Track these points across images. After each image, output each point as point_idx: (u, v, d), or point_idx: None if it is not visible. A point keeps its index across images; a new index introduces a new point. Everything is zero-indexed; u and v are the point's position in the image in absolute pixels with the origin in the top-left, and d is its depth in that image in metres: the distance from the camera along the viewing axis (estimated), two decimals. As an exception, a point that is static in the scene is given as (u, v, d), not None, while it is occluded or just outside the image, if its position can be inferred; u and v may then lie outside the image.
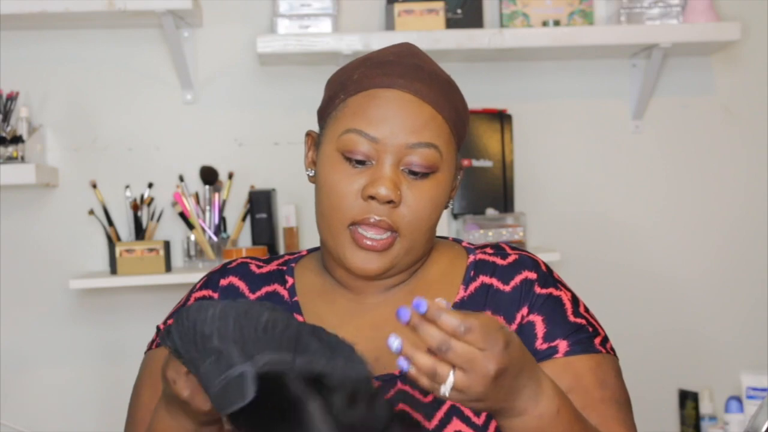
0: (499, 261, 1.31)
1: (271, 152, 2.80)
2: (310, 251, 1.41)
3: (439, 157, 1.25)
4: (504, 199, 2.76)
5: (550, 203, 2.84)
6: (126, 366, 2.62)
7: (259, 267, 1.37)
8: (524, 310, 1.27)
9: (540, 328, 1.26)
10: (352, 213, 1.24)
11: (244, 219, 2.73)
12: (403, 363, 1.00)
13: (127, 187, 2.73)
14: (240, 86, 2.80)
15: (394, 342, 0.99)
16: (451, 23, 2.71)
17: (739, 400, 2.61)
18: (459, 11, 2.73)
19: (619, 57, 2.86)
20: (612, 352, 1.29)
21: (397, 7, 2.68)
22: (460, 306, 1.29)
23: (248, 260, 1.39)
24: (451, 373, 1.00)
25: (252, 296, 1.32)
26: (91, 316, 2.76)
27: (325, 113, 1.33)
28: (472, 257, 1.32)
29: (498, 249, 1.33)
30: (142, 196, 2.72)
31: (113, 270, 2.63)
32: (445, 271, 1.32)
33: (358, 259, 1.24)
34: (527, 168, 2.83)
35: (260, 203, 2.70)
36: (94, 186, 2.71)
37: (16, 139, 2.58)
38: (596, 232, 2.86)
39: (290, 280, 1.35)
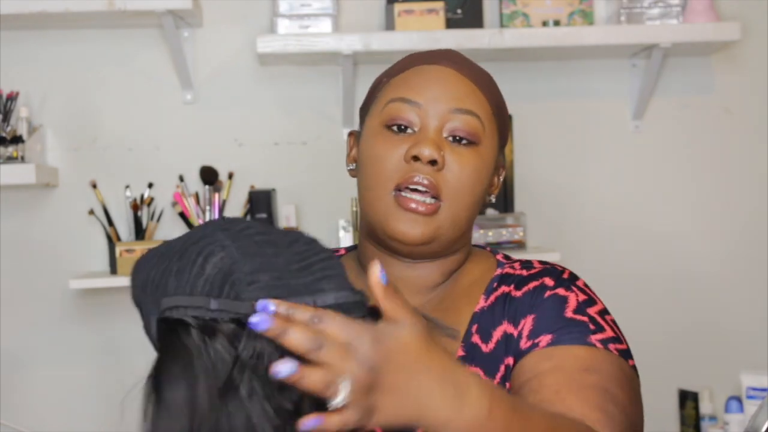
0: (524, 273, 1.27)
1: (271, 152, 2.80)
2: (348, 249, 1.39)
3: (481, 127, 1.25)
4: (504, 199, 2.76)
5: (550, 203, 2.84)
6: (126, 366, 2.63)
7: None
8: (528, 317, 1.21)
9: (527, 327, 1.20)
10: (396, 176, 1.22)
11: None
12: (287, 365, 0.86)
13: (127, 187, 2.73)
14: (240, 86, 2.80)
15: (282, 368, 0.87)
16: (451, 23, 2.71)
17: (739, 400, 2.61)
18: (459, 11, 2.73)
19: (619, 57, 2.86)
20: (622, 356, 1.17)
21: (397, 7, 2.68)
22: (479, 315, 1.25)
23: None
24: (341, 378, 0.86)
25: None
26: (91, 316, 2.76)
27: (367, 102, 1.32)
28: (499, 270, 1.29)
29: (527, 263, 1.30)
30: (142, 196, 2.72)
31: (113, 270, 2.63)
32: (474, 281, 1.30)
33: (403, 223, 1.21)
34: (527, 168, 2.83)
35: (260, 203, 2.70)
36: (94, 186, 2.72)
37: (16, 139, 2.58)
38: (596, 232, 2.86)
39: None
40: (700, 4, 2.70)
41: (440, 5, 2.68)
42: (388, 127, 1.24)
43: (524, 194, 2.81)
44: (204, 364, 0.91)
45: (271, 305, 0.87)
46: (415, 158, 1.21)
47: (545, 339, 1.17)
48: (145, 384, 0.94)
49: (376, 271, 0.91)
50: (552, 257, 2.58)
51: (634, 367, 1.19)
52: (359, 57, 2.68)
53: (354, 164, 1.31)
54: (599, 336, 1.17)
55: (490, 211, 2.74)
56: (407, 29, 2.65)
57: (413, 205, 1.21)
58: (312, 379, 0.86)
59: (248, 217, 2.71)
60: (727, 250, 2.88)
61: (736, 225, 2.89)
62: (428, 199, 1.22)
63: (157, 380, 0.93)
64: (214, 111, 2.80)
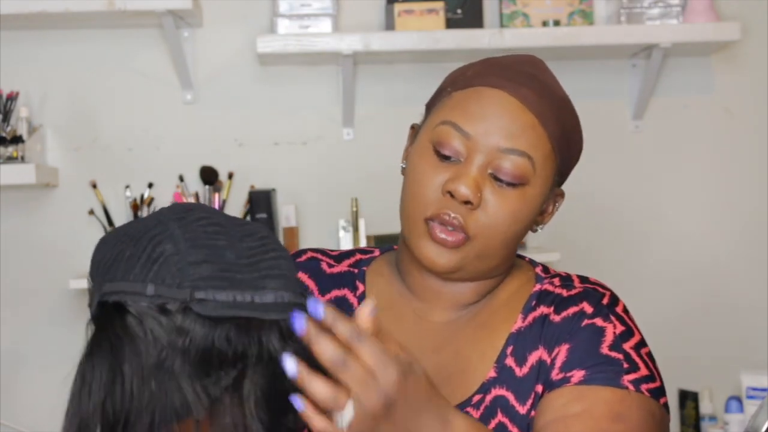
0: (564, 293, 1.23)
1: (271, 152, 2.80)
2: (383, 251, 1.35)
3: (531, 169, 1.19)
4: (504, 199, 2.76)
5: (550, 203, 2.83)
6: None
7: (330, 266, 1.32)
8: (563, 346, 1.18)
9: (561, 357, 1.17)
10: (431, 207, 1.18)
11: (244, 219, 2.73)
12: (297, 402, 0.90)
13: (127, 187, 2.73)
14: (240, 86, 2.80)
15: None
16: (451, 23, 2.71)
17: (739, 400, 2.61)
18: (459, 11, 2.73)
19: (619, 57, 2.86)
20: (654, 397, 1.15)
21: (397, 7, 2.68)
22: (516, 336, 1.21)
23: (319, 256, 1.33)
24: (350, 401, 0.90)
25: (321, 299, 1.21)
26: (91, 316, 2.76)
27: (431, 105, 1.28)
28: (538, 286, 1.25)
29: (566, 280, 1.26)
30: (142, 196, 2.72)
31: (113, 270, 2.63)
32: (511, 297, 1.26)
33: (430, 251, 1.19)
34: (527, 168, 2.82)
35: (260, 203, 2.70)
36: (94, 186, 2.72)
37: (16, 139, 2.58)
38: (596, 232, 2.86)
39: (361, 287, 1.29)
40: (700, 4, 2.70)
41: (440, 5, 2.68)
42: (436, 150, 1.20)
43: (524, 194, 2.81)
44: (135, 347, 0.94)
45: (321, 309, 0.91)
46: (451, 194, 1.18)
47: (577, 375, 1.15)
48: (78, 364, 0.99)
49: (364, 311, 0.93)
50: (552, 257, 2.58)
51: (665, 405, 1.17)
52: (359, 57, 2.68)
53: (406, 163, 1.27)
54: (632, 376, 1.14)
55: (490, 211, 2.74)
56: (407, 29, 2.65)
57: (441, 236, 1.18)
58: (319, 390, 0.89)
59: (248, 218, 2.71)
60: (727, 250, 2.88)
61: (737, 225, 2.88)
62: (453, 233, 1.18)
63: (84, 360, 0.99)
64: (214, 111, 2.80)
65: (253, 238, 0.98)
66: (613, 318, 1.19)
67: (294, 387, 0.92)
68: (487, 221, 1.18)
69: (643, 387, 1.14)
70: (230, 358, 0.94)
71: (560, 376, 1.16)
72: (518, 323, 1.22)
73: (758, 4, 2.88)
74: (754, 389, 2.56)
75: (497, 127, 1.18)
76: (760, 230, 2.88)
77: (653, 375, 1.16)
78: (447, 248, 1.18)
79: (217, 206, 2.70)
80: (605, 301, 1.21)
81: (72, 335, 2.72)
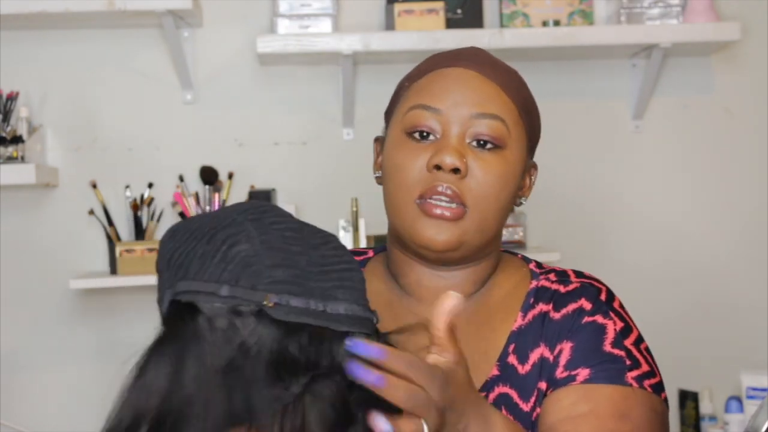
0: (561, 289, 1.24)
1: (271, 152, 2.80)
2: (377, 252, 1.36)
3: (506, 130, 1.21)
4: (504, 199, 2.76)
5: (550, 203, 2.84)
6: (126, 366, 2.62)
7: None
8: (565, 343, 1.19)
9: (565, 356, 1.18)
10: (419, 186, 1.19)
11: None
12: (385, 425, 0.90)
13: (127, 187, 2.73)
14: (240, 86, 2.80)
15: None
16: (451, 23, 2.71)
17: (739, 400, 2.61)
18: (459, 11, 2.73)
19: (619, 57, 2.86)
20: (655, 392, 1.18)
21: (397, 7, 2.68)
22: (517, 335, 1.22)
23: None
24: (423, 423, 0.91)
25: None
26: (91, 316, 2.76)
27: (390, 108, 1.29)
28: (534, 283, 1.26)
29: (561, 276, 1.26)
30: (142, 196, 2.72)
31: (113, 270, 2.63)
32: (507, 295, 1.26)
33: (429, 230, 1.18)
34: (527, 168, 2.83)
35: (260, 203, 2.69)
36: (94, 186, 2.72)
37: (16, 139, 2.58)
38: (596, 232, 2.86)
39: None
40: (700, 4, 2.70)
41: (440, 5, 2.68)
42: (410, 134, 1.21)
43: (524, 194, 2.81)
44: (201, 348, 0.91)
45: (367, 348, 0.89)
46: (438, 167, 1.18)
47: (582, 374, 1.16)
48: (138, 357, 0.95)
49: (448, 303, 0.94)
50: (552, 257, 2.58)
51: (665, 400, 1.20)
52: (359, 57, 2.68)
53: (380, 171, 1.27)
54: (635, 373, 1.17)
55: (490, 211, 2.74)
56: (407, 29, 2.65)
57: (438, 212, 1.18)
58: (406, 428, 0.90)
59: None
60: (727, 250, 2.88)
61: (737, 225, 2.88)
62: (453, 204, 1.18)
63: (145, 356, 0.95)
64: (214, 111, 2.80)
65: (327, 247, 0.96)
66: (612, 315, 1.21)
67: (358, 402, 0.90)
68: (479, 188, 1.19)
69: (646, 383, 1.16)
70: (302, 365, 0.91)
71: (565, 374, 1.17)
72: (518, 321, 1.23)
73: (758, 4, 2.88)
74: (754, 389, 2.55)
75: (464, 97, 1.21)
76: (760, 230, 2.88)
77: (653, 371, 1.19)
78: (447, 222, 1.18)
79: (217, 206, 2.70)
80: (603, 297, 1.23)
81: (72, 335, 2.74)
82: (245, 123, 2.80)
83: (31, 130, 2.66)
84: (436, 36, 2.62)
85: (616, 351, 1.17)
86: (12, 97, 2.62)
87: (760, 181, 2.88)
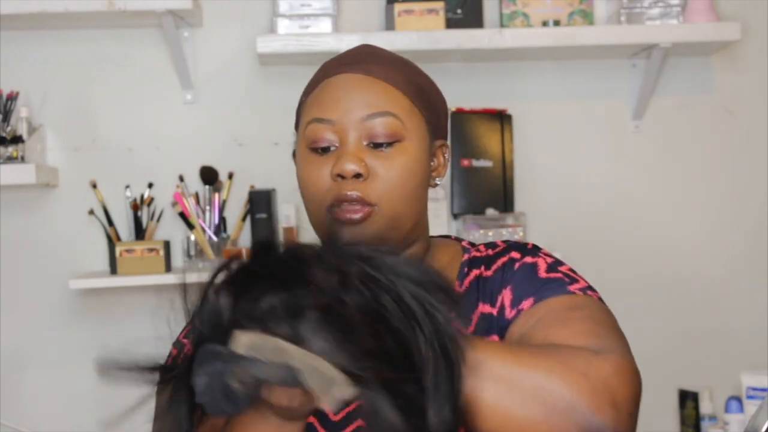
0: (490, 252, 1.31)
1: (271, 152, 2.80)
2: None
3: (399, 124, 1.25)
4: (504, 199, 2.76)
5: (550, 203, 2.84)
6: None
7: None
8: (505, 291, 1.25)
9: (507, 297, 1.24)
10: (328, 196, 1.24)
11: (244, 219, 2.73)
12: None
13: (127, 187, 2.73)
14: (240, 86, 2.80)
15: None
16: (451, 23, 2.71)
17: (739, 400, 2.61)
18: (459, 11, 2.73)
19: (619, 57, 2.86)
20: (599, 300, 1.22)
21: (397, 7, 2.68)
22: None
23: None
24: None
25: None
26: (91, 316, 2.76)
27: (296, 122, 1.35)
28: (467, 255, 1.32)
29: (490, 244, 1.33)
30: (142, 196, 2.72)
31: (113, 270, 2.63)
32: (443, 268, 1.30)
33: (344, 235, 1.23)
34: (527, 168, 2.83)
35: (260, 203, 2.70)
36: (94, 186, 2.72)
37: (16, 139, 2.58)
38: (596, 232, 2.86)
39: None
40: (700, 4, 2.70)
41: (440, 5, 2.68)
42: (313, 149, 1.26)
43: (524, 194, 2.81)
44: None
45: None
46: (340, 176, 1.23)
47: (528, 302, 1.21)
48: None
49: None
50: (552, 257, 2.58)
51: (601, 300, 1.24)
52: (359, 57, 2.67)
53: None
54: (576, 286, 1.21)
55: (490, 211, 2.74)
56: (407, 29, 2.65)
57: (348, 215, 1.23)
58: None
59: (248, 217, 2.71)
60: (728, 250, 2.88)
61: (737, 225, 2.88)
62: (359, 206, 1.23)
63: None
64: (214, 111, 2.80)
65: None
66: (541, 254, 1.28)
67: None
68: (384, 185, 1.23)
69: (590, 293, 1.21)
70: None
71: (513, 312, 1.22)
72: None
73: (758, 4, 2.88)
74: (754, 389, 2.55)
75: (353, 102, 1.25)
76: (761, 230, 2.88)
77: (592, 287, 1.23)
78: (358, 225, 1.23)
79: (217, 206, 2.70)
80: (530, 247, 1.29)
81: (72, 335, 2.74)
82: (245, 123, 2.80)
83: (31, 130, 2.66)
84: (436, 36, 2.62)
85: (552, 275, 1.23)
86: (12, 97, 2.62)
87: (760, 181, 2.88)
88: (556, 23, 2.72)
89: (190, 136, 2.79)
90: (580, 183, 2.86)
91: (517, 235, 2.69)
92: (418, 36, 2.61)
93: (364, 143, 1.24)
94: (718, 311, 2.87)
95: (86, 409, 2.74)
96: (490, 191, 2.77)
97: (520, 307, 1.21)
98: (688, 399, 2.77)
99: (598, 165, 2.87)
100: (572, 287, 1.21)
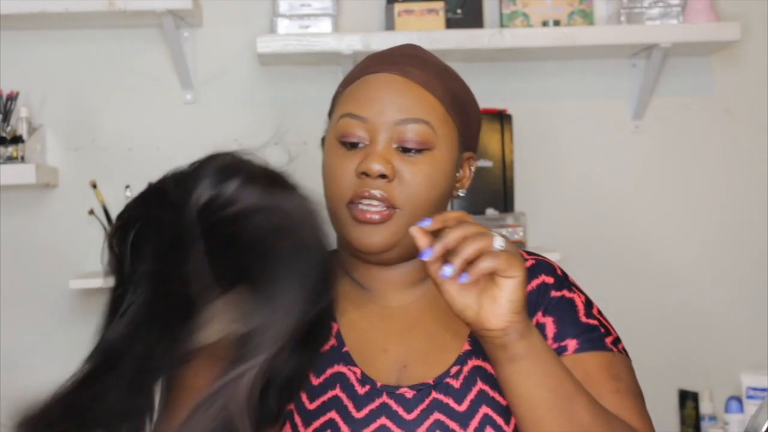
0: None
1: (271, 152, 2.79)
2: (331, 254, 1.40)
3: (431, 133, 1.25)
4: (504, 199, 2.76)
5: (550, 203, 2.84)
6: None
7: None
8: (539, 314, 1.28)
9: (551, 329, 1.27)
10: (348, 192, 1.24)
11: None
12: (428, 252, 1.09)
13: (127, 187, 2.73)
14: (240, 86, 2.80)
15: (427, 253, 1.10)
16: (451, 23, 2.71)
17: (739, 400, 2.61)
18: (459, 11, 2.73)
19: (619, 57, 2.86)
20: (624, 352, 1.30)
21: (397, 7, 2.68)
22: None
23: None
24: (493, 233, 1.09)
25: None
26: (91, 316, 2.75)
27: (330, 111, 1.35)
28: None
29: None
30: (142, 196, 2.72)
31: (113, 270, 2.62)
32: None
33: (361, 233, 1.24)
34: (527, 168, 2.83)
35: (260, 203, 2.69)
36: (94, 186, 2.72)
37: (16, 139, 2.58)
38: (596, 232, 2.86)
39: None
40: (700, 4, 2.70)
41: (440, 5, 2.68)
42: (341, 142, 1.27)
43: (524, 194, 2.81)
44: None
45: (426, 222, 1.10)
46: (365, 174, 1.23)
47: (571, 344, 1.26)
48: None
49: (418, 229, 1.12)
50: (552, 257, 2.56)
51: (625, 351, 1.31)
52: (359, 57, 2.67)
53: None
54: (609, 339, 1.28)
55: (490, 211, 2.74)
56: (407, 29, 2.65)
57: (367, 215, 1.23)
58: (477, 241, 1.08)
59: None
60: (727, 250, 2.88)
61: (737, 225, 2.88)
62: (381, 208, 1.24)
63: None
64: (214, 111, 2.80)
65: None
66: (574, 289, 1.32)
67: None
68: (408, 189, 1.24)
69: (620, 347, 1.29)
70: None
71: (555, 345, 1.26)
72: None
73: (758, 4, 2.88)
74: (754, 389, 2.56)
75: (389, 104, 1.26)
76: (760, 230, 2.88)
77: (613, 330, 1.31)
78: (376, 225, 1.23)
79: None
80: (559, 272, 1.33)
81: (72, 335, 2.74)
82: (245, 123, 2.80)
83: (31, 130, 2.66)
84: (436, 36, 2.62)
85: (590, 321, 1.29)
86: (12, 97, 2.62)
87: (760, 180, 2.88)
88: (556, 23, 2.72)
89: (190, 136, 2.79)
90: (580, 183, 2.86)
91: (517, 235, 2.69)
92: (418, 36, 2.60)
93: (394, 146, 1.25)
94: (718, 311, 2.87)
95: (86, 409, 2.74)
96: (490, 191, 2.77)
97: (563, 343, 1.26)
98: (688, 399, 2.77)
99: (598, 165, 2.87)
100: (608, 340, 1.28)
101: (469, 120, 1.33)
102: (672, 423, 2.83)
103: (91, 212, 2.71)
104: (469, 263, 1.09)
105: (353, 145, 1.26)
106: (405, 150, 1.25)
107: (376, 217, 1.23)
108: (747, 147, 2.89)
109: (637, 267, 2.86)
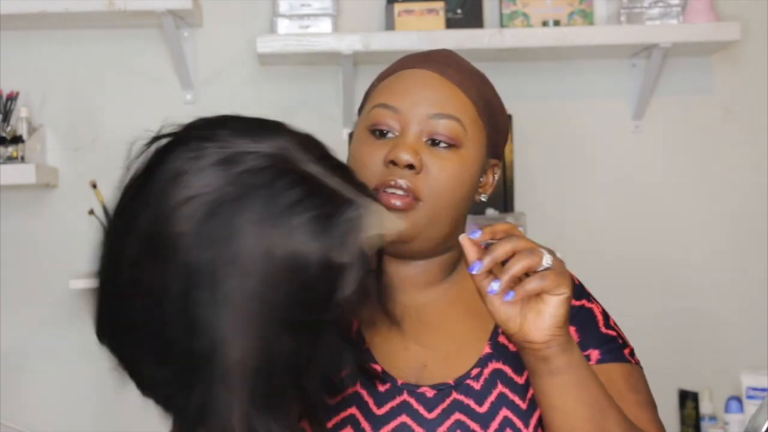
0: None
1: (271, 152, 2.80)
2: None
3: (462, 131, 1.25)
4: (504, 199, 2.76)
5: (550, 203, 2.84)
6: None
7: None
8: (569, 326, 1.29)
9: (573, 338, 1.26)
10: (374, 179, 1.23)
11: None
12: (477, 264, 1.10)
13: (127, 187, 2.73)
14: (240, 86, 2.80)
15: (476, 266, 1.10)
16: (451, 23, 2.71)
17: (739, 400, 2.61)
18: (459, 11, 2.73)
19: (619, 57, 2.86)
20: (639, 364, 1.32)
21: (397, 7, 2.68)
22: None
23: None
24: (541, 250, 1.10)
25: None
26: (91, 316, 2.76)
27: (362, 105, 1.35)
28: None
29: None
30: (142, 196, 2.72)
31: (113, 270, 2.63)
32: None
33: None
34: (527, 168, 2.83)
35: (260, 203, 2.70)
36: (94, 186, 2.71)
37: (16, 139, 2.58)
38: (596, 232, 2.86)
39: None
40: (700, 4, 2.70)
41: (440, 5, 2.68)
42: (371, 131, 1.27)
43: (524, 194, 2.81)
44: None
45: (477, 233, 1.11)
46: (393, 162, 1.23)
47: (594, 354, 1.28)
48: None
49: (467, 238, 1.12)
50: (552, 257, 2.58)
51: (638, 362, 1.33)
52: (359, 57, 2.68)
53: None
54: (627, 350, 1.31)
55: (490, 211, 2.74)
56: (407, 29, 2.66)
57: (391, 201, 1.22)
58: (525, 258, 1.09)
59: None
60: (727, 250, 2.88)
61: (736, 225, 2.88)
62: (407, 196, 1.23)
63: None
64: (214, 111, 2.77)
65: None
66: (592, 300, 1.34)
67: None
68: (434, 183, 1.24)
69: (635, 358, 1.32)
70: None
71: None
72: None
73: (758, 4, 2.88)
74: (754, 389, 2.56)
75: (423, 98, 1.26)
76: (761, 230, 2.88)
77: (628, 342, 1.34)
78: (398, 213, 1.22)
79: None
80: (576, 282, 1.32)
81: (72, 335, 2.74)
82: (245, 123, 2.80)
83: (31, 130, 2.66)
84: (436, 36, 2.62)
85: (609, 332, 1.31)
86: (12, 97, 2.62)
87: (760, 180, 2.88)
88: (556, 23, 2.72)
89: (190, 136, 2.79)
90: (580, 183, 2.86)
91: (517, 235, 2.69)
92: (418, 36, 2.61)
93: (424, 139, 1.25)
94: (718, 311, 2.87)
95: (86, 409, 2.74)
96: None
97: (586, 353, 1.27)
98: (688, 399, 2.77)
99: (598, 165, 2.87)
100: (626, 352, 1.30)
101: (498, 127, 1.32)
102: (672, 423, 2.83)
103: (91, 212, 2.70)
104: (517, 279, 1.09)
105: (383, 134, 1.26)
106: (434, 143, 1.25)
107: (399, 203, 1.22)
108: (747, 147, 2.89)
109: (637, 266, 2.86)
